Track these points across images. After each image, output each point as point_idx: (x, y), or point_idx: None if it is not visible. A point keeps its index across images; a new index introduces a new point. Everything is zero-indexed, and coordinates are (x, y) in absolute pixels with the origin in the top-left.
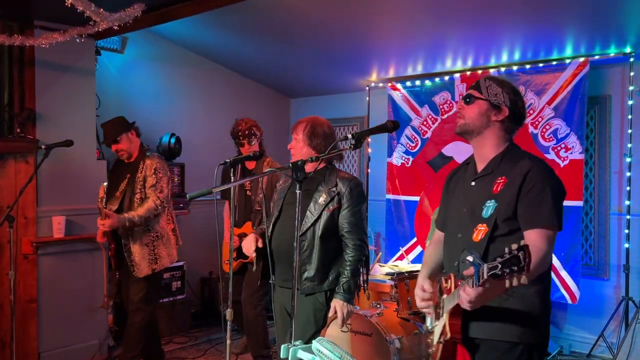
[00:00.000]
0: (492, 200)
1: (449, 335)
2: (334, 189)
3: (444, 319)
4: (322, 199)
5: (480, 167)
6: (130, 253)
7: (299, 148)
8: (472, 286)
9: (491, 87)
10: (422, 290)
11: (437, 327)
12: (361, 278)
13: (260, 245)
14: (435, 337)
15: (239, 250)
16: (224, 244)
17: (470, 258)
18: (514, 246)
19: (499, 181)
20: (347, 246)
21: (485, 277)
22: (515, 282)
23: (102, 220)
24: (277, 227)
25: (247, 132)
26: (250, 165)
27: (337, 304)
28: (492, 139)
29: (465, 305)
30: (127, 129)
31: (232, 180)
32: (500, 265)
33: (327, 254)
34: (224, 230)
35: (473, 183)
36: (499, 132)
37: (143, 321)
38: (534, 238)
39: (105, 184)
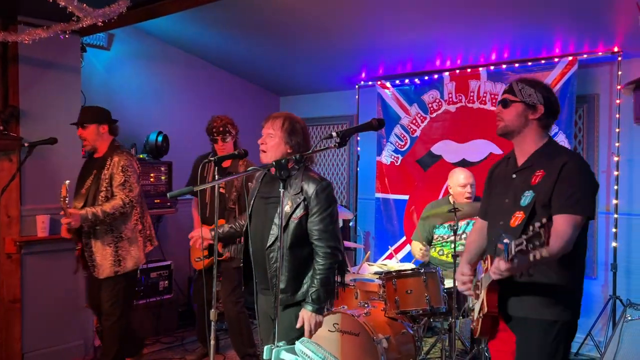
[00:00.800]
0: (530, 191)
1: (486, 309)
2: (299, 194)
3: (482, 295)
4: (287, 207)
5: (520, 161)
6: (92, 253)
7: (275, 145)
8: (503, 260)
9: (524, 89)
10: (461, 274)
11: (477, 303)
12: (335, 285)
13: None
14: (476, 312)
15: (210, 247)
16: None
17: (506, 240)
18: (537, 224)
19: (537, 174)
20: (317, 254)
21: (513, 252)
22: (537, 256)
23: (66, 219)
24: (250, 235)
25: (221, 129)
26: (226, 163)
27: (305, 315)
28: (531, 136)
29: (494, 276)
30: (100, 121)
31: (216, 178)
32: (525, 242)
33: (298, 263)
34: (195, 227)
35: (514, 176)
36: (537, 129)
37: (114, 325)
38: (560, 222)
39: (68, 182)
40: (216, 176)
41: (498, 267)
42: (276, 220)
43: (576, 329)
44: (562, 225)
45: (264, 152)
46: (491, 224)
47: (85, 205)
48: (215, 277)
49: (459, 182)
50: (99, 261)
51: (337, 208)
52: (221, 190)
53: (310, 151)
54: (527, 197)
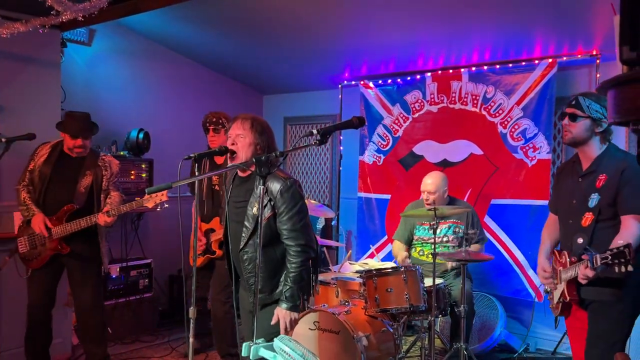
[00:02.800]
0: (596, 194)
1: (567, 298)
2: (265, 195)
3: (562, 286)
4: (254, 209)
5: (585, 165)
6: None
7: (246, 145)
8: (589, 268)
9: (591, 105)
10: (543, 270)
11: (557, 291)
12: (310, 282)
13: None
14: (555, 298)
15: (205, 245)
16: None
17: (580, 240)
18: (621, 242)
19: (600, 178)
20: (289, 253)
21: (598, 264)
22: (623, 269)
23: (107, 218)
24: (229, 237)
25: (214, 120)
26: (219, 160)
27: (280, 313)
28: (595, 144)
29: (582, 281)
30: (96, 130)
31: (196, 175)
32: (610, 257)
33: (272, 263)
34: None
35: (580, 179)
36: (601, 139)
37: (102, 318)
38: (628, 223)
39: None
40: (196, 172)
41: (586, 275)
42: (246, 223)
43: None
44: (631, 225)
45: (238, 151)
46: (561, 221)
47: (89, 204)
48: (194, 274)
49: (421, 187)
50: (103, 257)
51: (304, 205)
52: (216, 187)
53: (291, 148)
54: (593, 199)
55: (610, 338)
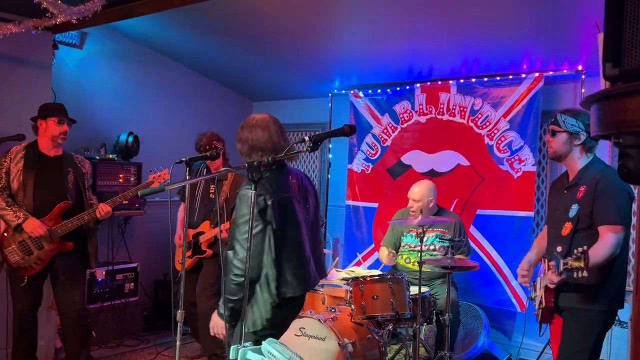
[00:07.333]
0: (576, 204)
1: (544, 304)
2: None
3: (541, 292)
4: None
5: (570, 177)
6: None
7: None
8: (554, 273)
9: (567, 120)
10: (521, 269)
11: (538, 297)
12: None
13: None
14: (537, 304)
15: (194, 246)
16: (179, 244)
17: (559, 249)
18: (580, 250)
19: (581, 189)
20: None
21: (561, 269)
22: (580, 275)
23: (108, 207)
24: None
25: (207, 147)
26: (214, 168)
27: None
28: (577, 157)
29: (550, 285)
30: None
31: (187, 179)
32: (570, 262)
33: None
34: (180, 230)
35: (565, 191)
36: (581, 152)
37: (89, 322)
38: (603, 233)
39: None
40: (187, 176)
41: (552, 280)
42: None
43: (613, 318)
44: (605, 235)
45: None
46: (548, 231)
47: (79, 201)
48: (183, 277)
49: (408, 194)
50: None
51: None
52: (211, 196)
53: (283, 154)
54: (573, 210)
55: (578, 345)
